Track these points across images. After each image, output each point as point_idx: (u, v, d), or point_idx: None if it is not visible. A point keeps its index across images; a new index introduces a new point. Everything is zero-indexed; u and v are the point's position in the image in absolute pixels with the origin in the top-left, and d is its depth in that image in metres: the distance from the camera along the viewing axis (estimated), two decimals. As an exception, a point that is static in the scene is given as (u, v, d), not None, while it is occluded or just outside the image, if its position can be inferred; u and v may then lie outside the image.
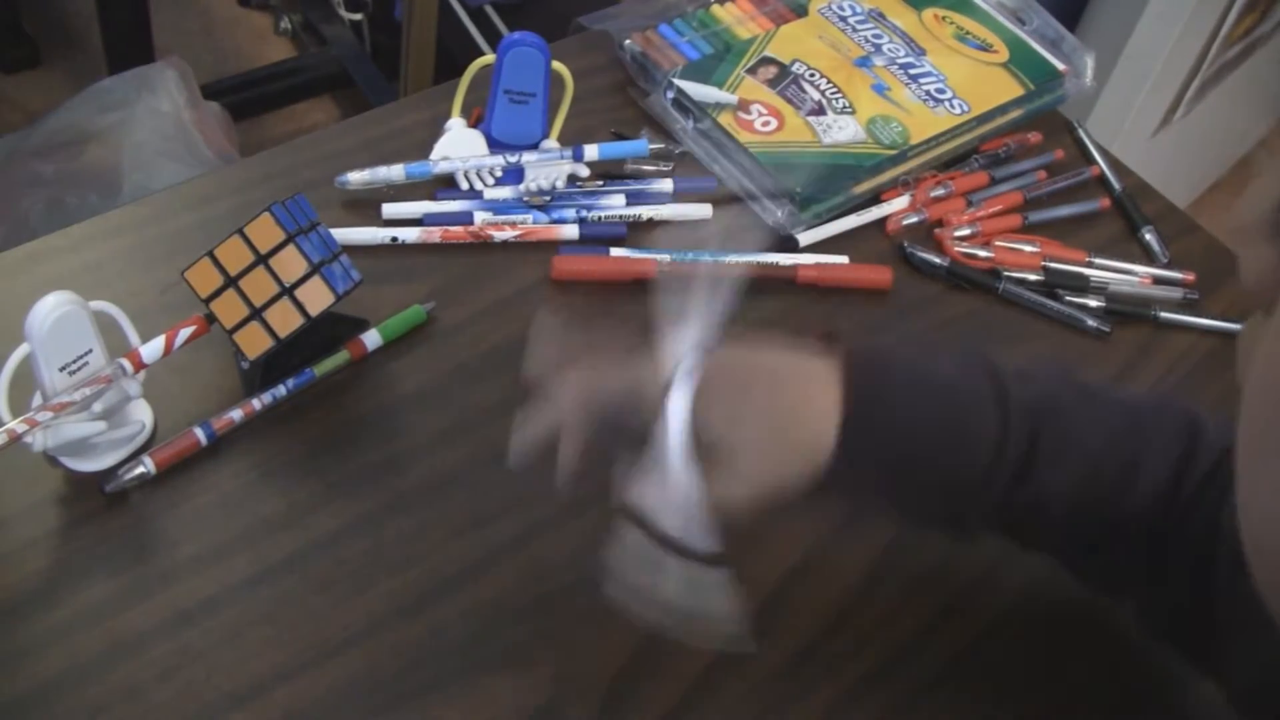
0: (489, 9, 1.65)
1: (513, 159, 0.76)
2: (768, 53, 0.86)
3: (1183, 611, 0.55)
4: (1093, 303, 0.79)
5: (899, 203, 0.82)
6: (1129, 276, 0.82)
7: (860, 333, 0.75)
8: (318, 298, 0.61)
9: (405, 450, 0.64)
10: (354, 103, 1.80)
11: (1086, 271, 0.81)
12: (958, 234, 0.81)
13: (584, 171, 0.78)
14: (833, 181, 0.80)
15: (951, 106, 0.86)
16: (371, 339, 0.67)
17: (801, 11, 0.91)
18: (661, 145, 0.80)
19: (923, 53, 0.89)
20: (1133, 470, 0.54)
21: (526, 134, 0.77)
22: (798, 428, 0.52)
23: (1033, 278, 0.80)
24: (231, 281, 0.61)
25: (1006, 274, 0.79)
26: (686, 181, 0.79)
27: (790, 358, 0.55)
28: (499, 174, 0.77)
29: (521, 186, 0.76)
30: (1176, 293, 0.82)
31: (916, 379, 0.54)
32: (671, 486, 0.51)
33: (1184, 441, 0.54)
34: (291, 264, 0.61)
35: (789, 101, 0.83)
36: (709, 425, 0.52)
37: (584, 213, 0.76)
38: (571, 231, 0.75)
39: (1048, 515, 0.54)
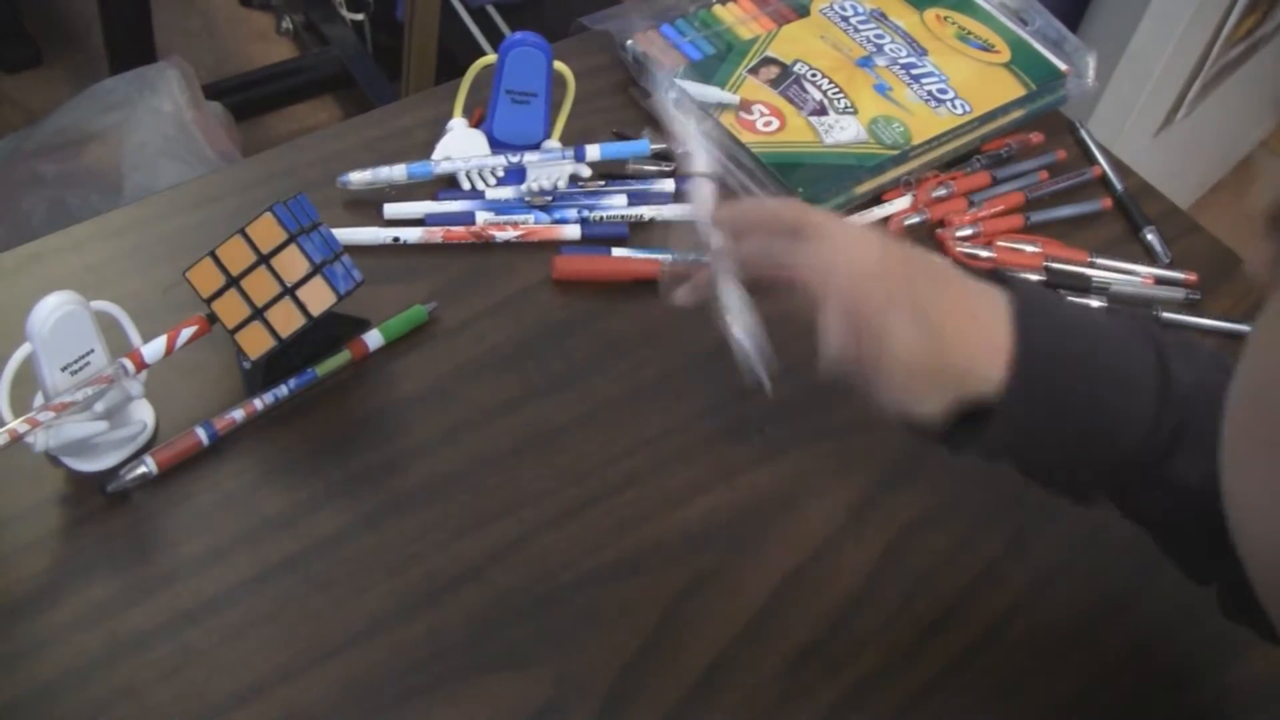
0: (491, 9, 1.64)
1: (514, 159, 0.76)
2: (769, 53, 0.86)
3: None
4: (1095, 303, 0.79)
5: (901, 203, 0.82)
6: (1131, 277, 0.82)
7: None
8: (319, 298, 0.61)
9: (406, 450, 0.64)
10: (355, 103, 1.80)
11: (1088, 272, 0.81)
12: (959, 234, 0.81)
13: (585, 171, 0.78)
14: (834, 182, 0.80)
15: (953, 107, 0.86)
16: (373, 339, 0.67)
17: (803, 11, 0.91)
18: (663, 145, 0.80)
19: (924, 53, 0.89)
20: None
21: (528, 134, 0.77)
22: (962, 341, 0.52)
23: (1034, 278, 0.80)
24: (233, 281, 0.61)
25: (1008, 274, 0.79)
26: (688, 182, 0.79)
27: (958, 271, 0.55)
28: (501, 174, 0.77)
29: (523, 186, 0.76)
30: (1178, 293, 0.82)
31: (1086, 324, 0.54)
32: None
33: None
34: (293, 264, 0.61)
35: (791, 102, 0.83)
36: (869, 303, 0.52)
37: (585, 213, 0.76)
38: (573, 232, 0.75)
39: (1170, 499, 0.54)
